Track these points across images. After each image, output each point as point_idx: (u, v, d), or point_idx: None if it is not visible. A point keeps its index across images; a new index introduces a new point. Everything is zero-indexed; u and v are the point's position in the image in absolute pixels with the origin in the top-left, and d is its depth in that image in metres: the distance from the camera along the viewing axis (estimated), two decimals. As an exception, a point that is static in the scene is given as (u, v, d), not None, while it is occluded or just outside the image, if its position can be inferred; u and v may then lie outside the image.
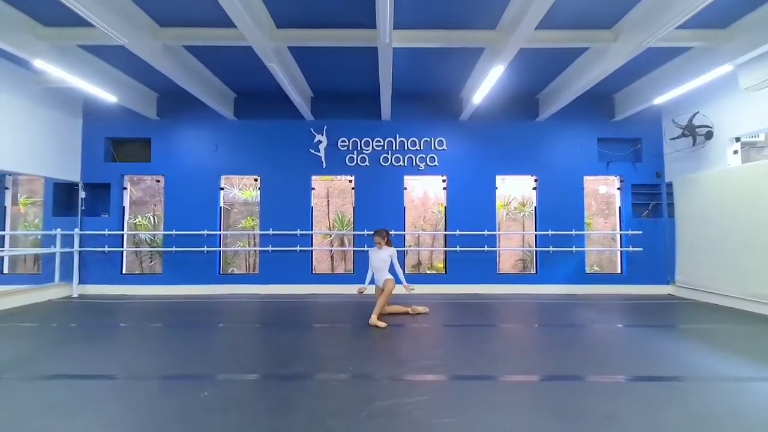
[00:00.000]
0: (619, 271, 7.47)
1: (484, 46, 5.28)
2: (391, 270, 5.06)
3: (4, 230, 7.28)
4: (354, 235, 7.36)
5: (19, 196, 7.98)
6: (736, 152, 5.96)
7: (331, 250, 8.29)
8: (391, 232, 5.35)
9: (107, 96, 5.99)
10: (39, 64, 4.79)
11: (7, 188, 7.40)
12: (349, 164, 7.31)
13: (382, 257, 5.03)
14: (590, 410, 2.49)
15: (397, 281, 5.05)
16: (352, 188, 7.47)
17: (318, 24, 4.86)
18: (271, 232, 7.21)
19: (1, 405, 2.61)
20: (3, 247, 7.42)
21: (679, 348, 3.85)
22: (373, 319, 4.68)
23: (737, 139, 5.97)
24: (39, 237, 7.54)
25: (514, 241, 8.44)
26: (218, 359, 3.59)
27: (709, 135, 6.20)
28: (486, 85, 5.54)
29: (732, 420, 2.38)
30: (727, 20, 4.72)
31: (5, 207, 7.39)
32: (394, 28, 4.25)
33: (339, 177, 7.73)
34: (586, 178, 7.42)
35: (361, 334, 4.41)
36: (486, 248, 7.20)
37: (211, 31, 4.82)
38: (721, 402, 2.63)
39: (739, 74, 5.27)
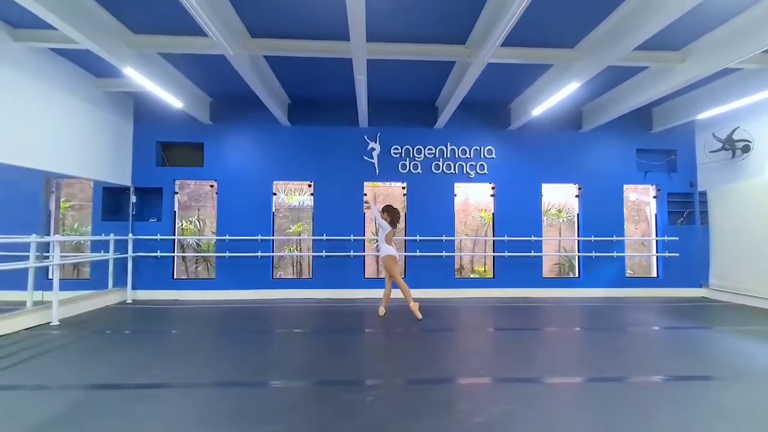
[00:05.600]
0: (655, 275, 7.89)
1: (553, 63, 5.57)
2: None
3: (50, 235, 7.10)
4: (405, 240, 7.52)
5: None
6: (773, 165, 6.43)
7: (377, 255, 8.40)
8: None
9: (175, 102, 5.98)
10: (128, 71, 4.78)
11: (52, 192, 7.22)
12: (401, 171, 7.47)
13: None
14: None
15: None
16: (404, 194, 7.64)
17: (403, 38, 5.02)
18: (324, 237, 7.30)
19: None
20: (48, 252, 7.22)
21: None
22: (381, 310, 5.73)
23: (775, 153, 6.44)
24: (82, 242, 7.40)
25: (551, 246, 8.76)
26: (340, 365, 3.70)
27: (746, 148, 6.66)
28: (553, 99, 5.82)
29: None
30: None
31: (50, 211, 7.21)
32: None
33: (391, 183, 7.89)
34: (624, 186, 7.82)
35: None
36: (533, 253, 7.49)
37: (303, 44, 4.91)
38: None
39: (782, 94, 5.73)
